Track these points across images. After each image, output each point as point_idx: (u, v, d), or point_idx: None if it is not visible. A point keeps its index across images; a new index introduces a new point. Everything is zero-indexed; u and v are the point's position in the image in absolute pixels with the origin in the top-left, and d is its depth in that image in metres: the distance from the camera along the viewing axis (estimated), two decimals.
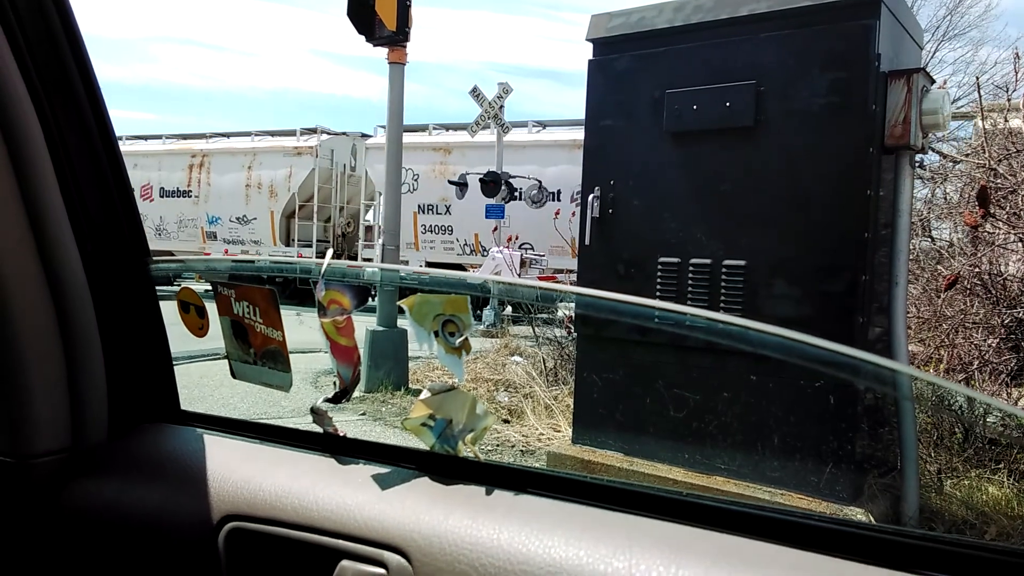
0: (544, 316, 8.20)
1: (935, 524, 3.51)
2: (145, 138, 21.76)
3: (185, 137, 21.02)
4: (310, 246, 18.34)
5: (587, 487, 0.91)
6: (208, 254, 18.88)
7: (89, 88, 1.09)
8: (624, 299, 0.88)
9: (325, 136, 18.74)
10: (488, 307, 12.27)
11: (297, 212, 18.47)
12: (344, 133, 19.33)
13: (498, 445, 5.22)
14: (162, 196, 20.05)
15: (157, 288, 1.21)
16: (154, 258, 1.18)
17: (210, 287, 1.13)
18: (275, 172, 18.54)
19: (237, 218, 19.22)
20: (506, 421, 5.73)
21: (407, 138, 17.00)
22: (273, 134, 19.29)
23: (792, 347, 0.76)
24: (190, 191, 19.80)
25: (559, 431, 5.35)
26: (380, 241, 7.57)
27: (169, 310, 1.20)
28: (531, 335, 8.19)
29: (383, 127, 14.47)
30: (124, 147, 21.20)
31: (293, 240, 18.60)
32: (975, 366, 4.37)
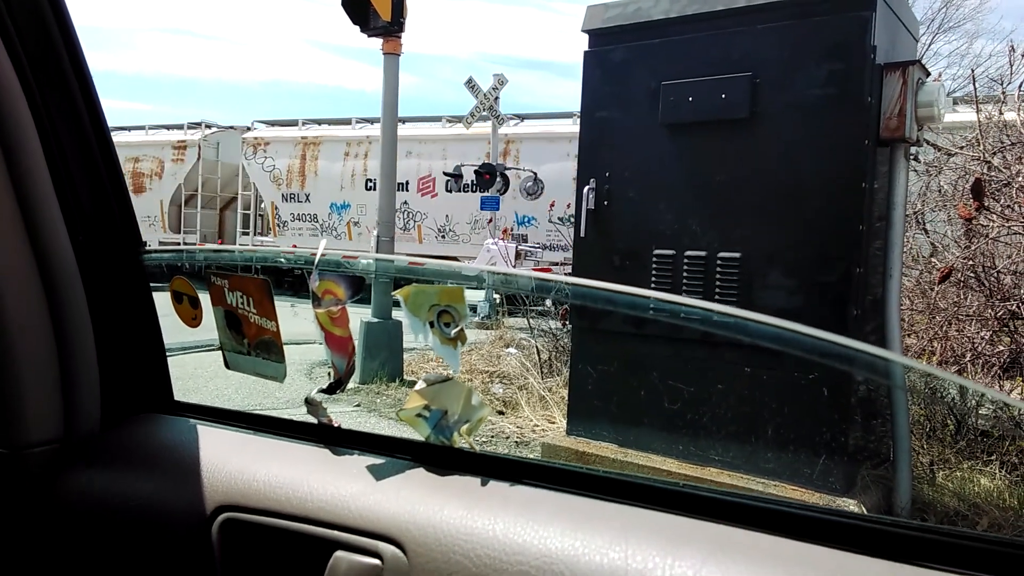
0: (539, 308, 8.21)
1: (927, 515, 3.53)
2: (403, 120, 17.13)
3: (453, 120, 16.78)
4: None
5: (583, 478, 0.91)
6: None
7: (81, 77, 1.08)
8: (619, 289, 0.88)
9: None
10: (483, 298, 12.26)
11: None
12: None
13: (493, 436, 5.23)
14: (450, 191, 16.33)
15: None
16: (147, 248, 1.18)
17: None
18: None
19: (560, 218, 15.49)
20: (501, 413, 5.74)
21: None
22: None
23: (788, 337, 0.75)
24: None
25: (554, 422, 5.36)
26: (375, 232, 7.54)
27: (162, 300, 1.19)
28: (526, 327, 8.19)
29: None
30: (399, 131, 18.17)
31: None
32: (968, 358, 4.39)
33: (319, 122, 19.52)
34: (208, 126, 20.57)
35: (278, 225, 19.36)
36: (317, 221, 18.69)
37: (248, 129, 20.29)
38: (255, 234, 20.22)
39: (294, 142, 18.79)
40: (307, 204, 18.85)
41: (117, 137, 21.28)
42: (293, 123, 19.72)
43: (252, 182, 19.79)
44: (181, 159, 20.26)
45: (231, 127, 20.76)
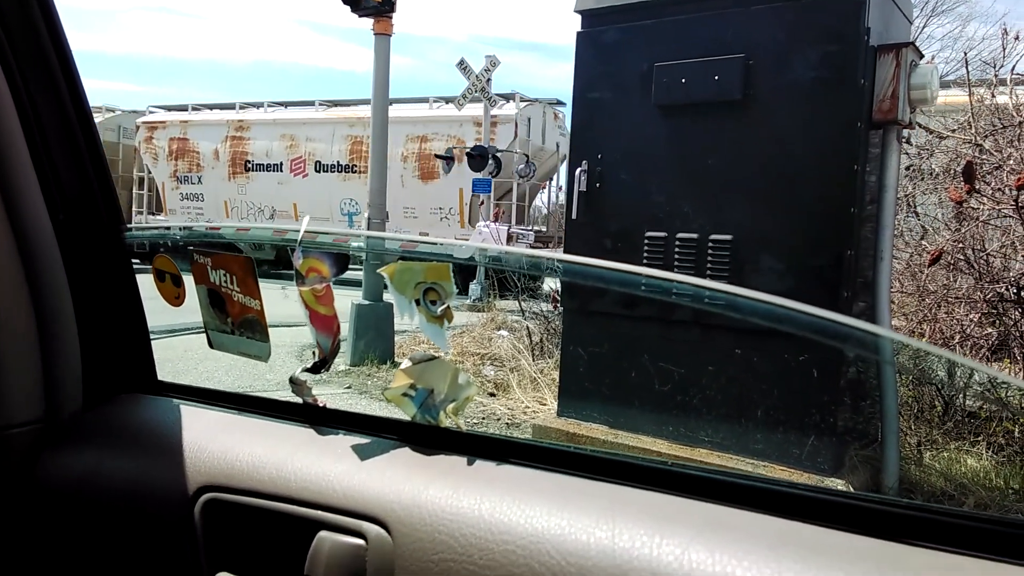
0: (530, 290, 8.20)
1: (914, 495, 3.57)
2: None
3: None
4: None
5: (570, 457, 0.90)
6: None
7: (61, 56, 1.07)
8: (612, 266, 0.87)
9: None
10: (475, 281, 12.25)
11: None
12: None
13: (484, 418, 5.24)
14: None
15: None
16: (128, 226, 1.16)
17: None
18: None
19: None
20: (492, 395, 5.75)
21: None
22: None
23: (780, 314, 0.75)
24: None
25: (544, 404, 5.37)
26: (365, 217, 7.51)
27: (148, 282, 1.18)
28: (517, 309, 8.19)
29: None
30: None
31: None
32: (957, 340, 4.41)
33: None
34: (523, 99, 16.84)
35: None
36: None
37: (555, 103, 17.46)
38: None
39: None
40: None
41: (394, 112, 14.95)
42: None
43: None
44: (491, 137, 16.57)
45: (536, 100, 17.35)
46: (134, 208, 20.61)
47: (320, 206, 17.01)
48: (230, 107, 19.42)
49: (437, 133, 16.29)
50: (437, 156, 14.83)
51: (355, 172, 16.93)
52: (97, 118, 20.20)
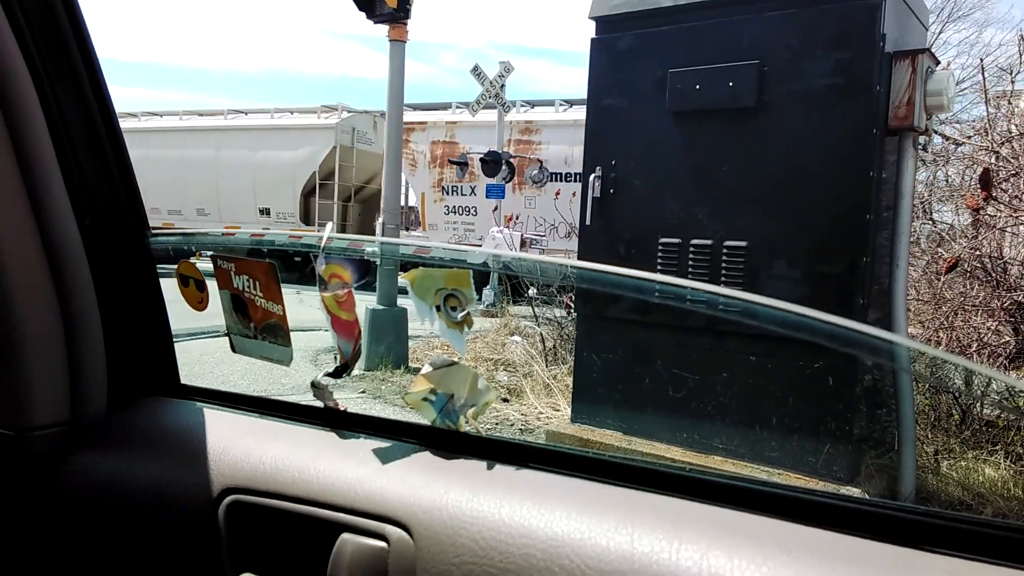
0: (544, 296, 8.20)
1: (931, 504, 3.53)
2: None
3: None
4: None
5: (589, 462, 0.91)
6: None
7: (87, 60, 1.08)
8: (626, 273, 0.87)
9: None
10: (488, 286, 12.26)
11: None
12: None
13: (497, 424, 5.24)
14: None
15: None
16: (153, 230, 1.18)
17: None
18: None
19: None
20: (505, 400, 5.75)
21: None
22: None
23: (795, 321, 0.75)
24: None
25: (558, 410, 5.37)
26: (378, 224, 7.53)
27: (169, 286, 1.19)
28: (531, 315, 8.19)
29: None
30: None
31: None
32: (974, 348, 4.38)
33: None
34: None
35: None
36: None
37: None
38: None
39: None
40: None
41: None
42: None
43: None
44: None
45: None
46: (378, 221, 17.48)
47: None
48: None
49: None
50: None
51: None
52: (331, 119, 17.28)
